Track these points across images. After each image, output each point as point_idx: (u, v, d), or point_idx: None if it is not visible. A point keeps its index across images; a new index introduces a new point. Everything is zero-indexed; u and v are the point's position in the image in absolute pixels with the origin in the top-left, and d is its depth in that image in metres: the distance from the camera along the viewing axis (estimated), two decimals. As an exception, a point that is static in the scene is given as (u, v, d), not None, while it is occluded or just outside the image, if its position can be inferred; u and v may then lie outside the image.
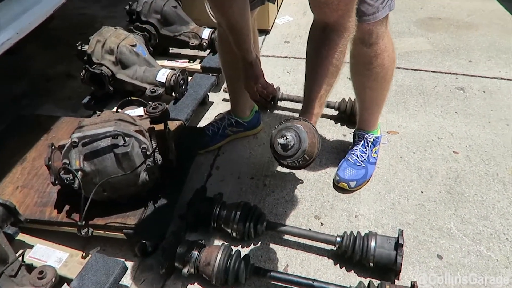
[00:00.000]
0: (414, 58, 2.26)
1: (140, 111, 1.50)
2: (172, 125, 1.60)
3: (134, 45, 1.72)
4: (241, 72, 1.39)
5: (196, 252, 1.19)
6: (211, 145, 1.72)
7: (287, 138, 0.93)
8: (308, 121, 1.04)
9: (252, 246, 1.34)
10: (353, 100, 1.79)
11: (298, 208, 1.47)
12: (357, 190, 1.52)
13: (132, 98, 1.54)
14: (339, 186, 1.51)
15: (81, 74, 1.70)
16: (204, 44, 2.02)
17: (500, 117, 1.84)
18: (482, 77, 2.12)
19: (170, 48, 2.36)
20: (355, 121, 1.74)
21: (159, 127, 1.32)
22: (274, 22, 2.70)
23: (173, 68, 1.77)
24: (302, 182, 1.57)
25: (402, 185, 1.54)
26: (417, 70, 2.19)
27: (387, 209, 1.45)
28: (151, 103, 1.48)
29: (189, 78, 1.90)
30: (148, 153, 1.21)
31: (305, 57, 1.12)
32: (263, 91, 1.39)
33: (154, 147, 1.25)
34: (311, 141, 0.97)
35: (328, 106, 1.84)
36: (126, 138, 1.17)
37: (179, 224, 1.38)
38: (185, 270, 1.19)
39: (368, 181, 1.54)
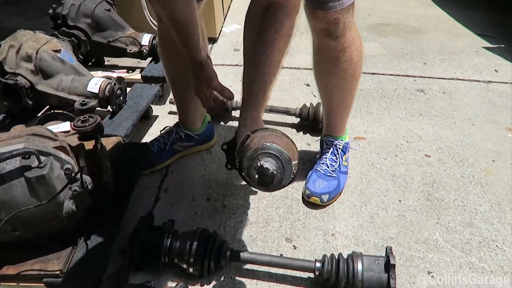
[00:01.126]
0: (370, 62, 2.17)
1: (65, 126, 1.21)
2: (108, 142, 1.33)
3: (58, 51, 1.44)
4: (191, 75, 1.16)
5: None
6: (157, 163, 1.46)
7: (268, 170, 0.75)
8: (270, 129, 0.86)
9: (214, 282, 1.09)
10: (315, 105, 1.63)
11: (266, 230, 1.25)
12: (330, 204, 1.33)
13: (55, 111, 1.26)
14: (309, 201, 1.32)
15: (-9, 87, 1.38)
16: (145, 51, 1.77)
17: (464, 117, 1.77)
18: (440, 78, 2.07)
19: (106, 60, 2.09)
20: (319, 127, 1.58)
21: (90, 144, 1.06)
22: (221, 30, 2.53)
23: (108, 77, 1.50)
24: (267, 200, 1.36)
25: (378, 195, 1.37)
26: (375, 73, 2.09)
27: (366, 223, 1.27)
28: (80, 116, 1.22)
29: (128, 89, 1.65)
30: (74, 175, 0.94)
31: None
32: (217, 96, 1.17)
33: (82, 167, 0.98)
34: (292, 155, 0.78)
35: (288, 113, 1.66)
36: (42, 157, 0.89)
37: (120, 263, 1.10)
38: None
39: (341, 193, 1.36)
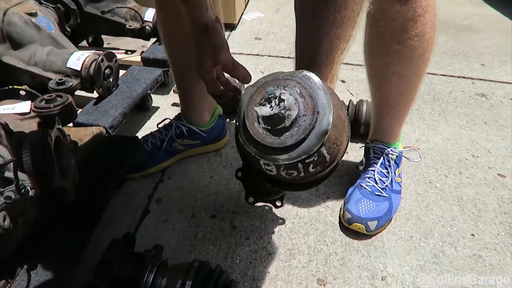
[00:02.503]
0: (417, 60, 1.81)
1: (24, 106, 0.89)
2: (86, 133, 1.00)
3: (33, 14, 1.13)
4: (193, 46, 0.81)
5: None
6: (150, 165, 1.12)
7: (280, 101, 0.43)
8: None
9: None
10: (355, 103, 1.28)
11: (290, 266, 0.90)
12: (378, 233, 0.98)
13: (15, 87, 0.94)
14: (351, 228, 0.96)
15: None
16: (147, 28, 1.45)
17: (541, 130, 1.40)
18: (504, 82, 1.69)
19: (106, 41, 1.79)
20: (359, 132, 1.24)
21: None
22: (241, 17, 2.21)
23: (96, 53, 1.18)
24: (292, 224, 1.01)
25: (442, 225, 1.01)
26: (423, 73, 1.73)
27: (429, 264, 0.91)
28: (45, 95, 0.90)
29: (124, 72, 1.33)
30: (7, 174, 0.61)
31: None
32: (228, 80, 0.82)
33: (15, 161, 0.65)
34: (336, 114, 0.45)
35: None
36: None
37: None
38: None
39: (391, 219, 1.01)
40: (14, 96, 0.95)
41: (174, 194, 1.09)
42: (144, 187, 1.10)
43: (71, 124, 1.09)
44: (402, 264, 0.91)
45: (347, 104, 1.29)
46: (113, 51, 1.51)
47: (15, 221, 0.65)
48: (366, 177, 1.03)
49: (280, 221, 1.01)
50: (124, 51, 1.52)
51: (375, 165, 1.03)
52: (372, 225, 0.95)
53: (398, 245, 0.96)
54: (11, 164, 0.62)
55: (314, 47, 0.60)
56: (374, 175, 1.02)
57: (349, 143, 1.24)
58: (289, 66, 1.71)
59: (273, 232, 0.98)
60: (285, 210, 1.04)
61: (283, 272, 0.89)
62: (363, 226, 0.94)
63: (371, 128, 1.08)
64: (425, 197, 1.09)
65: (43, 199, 0.72)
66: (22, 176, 0.63)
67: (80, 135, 0.99)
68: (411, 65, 0.90)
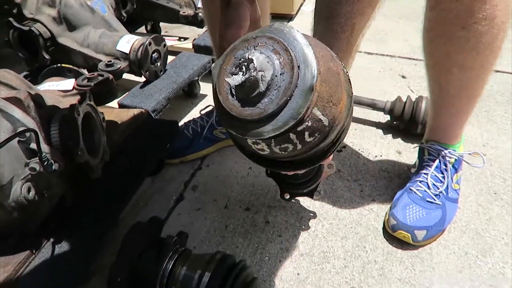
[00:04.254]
0: (493, 57, 1.62)
1: (68, 84, 0.91)
2: (127, 114, 1.01)
3: (89, -3, 1.16)
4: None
5: None
6: (189, 152, 1.11)
7: (250, 63, 0.35)
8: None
9: None
10: (414, 99, 1.16)
11: (322, 270, 0.83)
12: (426, 245, 0.87)
13: (63, 65, 0.96)
14: (395, 235, 0.87)
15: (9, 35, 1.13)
16: (201, 14, 1.44)
17: None
18: None
19: (164, 30, 1.81)
20: (416, 132, 1.12)
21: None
22: (300, 8, 2.14)
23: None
24: (330, 224, 0.93)
25: (505, 243, 0.87)
26: (498, 71, 1.54)
27: (484, 286, 0.79)
28: (88, 74, 0.91)
29: (173, 58, 1.33)
30: (33, 146, 0.61)
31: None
32: None
33: (55, 138, 0.65)
34: (325, 66, 0.36)
35: (374, 107, 1.21)
36: (-19, 110, 0.58)
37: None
38: None
39: (444, 230, 0.89)
40: (61, 74, 0.98)
41: (211, 183, 1.06)
42: (182, 173, 1.09)
43: (116, 106, 1.11)
44: (452, 282, 0.80)
45: (404, 99, 1.17)
46: (166, 37, 1.53)
47: (40, 194, 0.66)
48: (417, 180, 0.92)
49: (317, 220, 0.94)
50: (177, 38, 1.53)
51: (429, 168, 0.92)
52: (420, 234, 0.84)
53: (449, 260, 0.84)
54: (40, 132, 0.62)
55: (331, 9, 0.53)
56: (427, 179, 0.91)
57: (404, 142, 1.13)
58: (345, 59, 1.61)
59: (308, 232, 0.91)
60: (324, 209, 0.97)
61: (314, 275, 0.82)
62: (409, 235, 0.84)
63: (427, 127, 0.97)
64: (487, 210, 0.95)
65: (71, 175, 0.72)
66: (46, 149, 0.63)
67: (122, 116, 1.00)
68: (476, 55, 0.78)
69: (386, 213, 0.93)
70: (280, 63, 0.34)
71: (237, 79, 0.34)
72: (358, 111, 1.28)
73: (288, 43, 0.34)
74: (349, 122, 0.43)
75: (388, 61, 1.59)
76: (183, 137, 1.10)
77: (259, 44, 0.35)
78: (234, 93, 0.35)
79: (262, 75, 0.34)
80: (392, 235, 0.87)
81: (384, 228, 0.91)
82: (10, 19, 1.09)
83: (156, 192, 1.03)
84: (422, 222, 0.85)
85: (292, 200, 0.97)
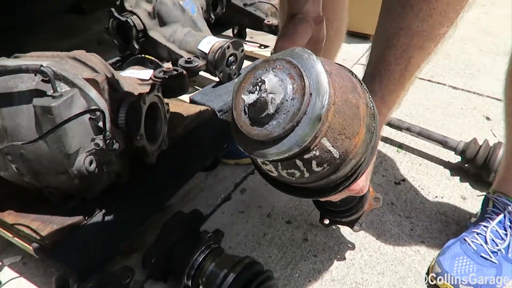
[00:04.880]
0: None
1: (146, 74, 0.99)
2: (195, 109, 1.06)
3: (183, -3, 1.25)
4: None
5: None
6: (245, 156, 1.13)
7: (262, 83, 0.35)
8: (344, 67, 0.43)
9: None
10: (492, 145, 1.07)
11: (350, 301, 0.80)
12: (472, 303, 0.79)
13: (146, 56, 1.05)
14: (438, 285, 0.81)
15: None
16: (284, 26, 1.47)
17: None
18: None
19: (249, 36, 1.87)
20: (488, 180, 1.03)
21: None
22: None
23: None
24: (369, 256, 0.89)
25: None
26: None
27: None
28: (164, 67, 0.98)
29: (249, 63, 1.37)
30: (100, 124, 0.68)
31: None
32: None
33: (121, 121, 0.72)
34: (342, 97, 0.36)
35: (445, 145, 1.13)
36: (64, 86, 0.66)
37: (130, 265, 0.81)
38: None
39: (498, 292, 0.81)
40: (144, 64, 1.07)
41: (259, 189, 1.08)
42: (234, 175, 1.12)
43: (188, 100, 1.18)
44: None
45: (480, 142, 1.09)
46: (247, 43, 1.59)
47: (100, 168, 0.73)
48: (475, 232, 0.84)
49: (357, 249, 0.91)
50: (258, 45, 1.58)
51: (491, 221, 0.84)
52: (466, 290, 0.78)
53: (495, 326, 0.76)
54: (107, 112, 0.69)
55: (389, 39, 0.52)
56: (486, 232, 0.83)
57: (472, 190, 1.05)
58: (428, 89, 1.53)
59: (345, 259, 0.89)
60: (367, 240, 0.93)
61: (341, 304, 0.80)
62: (452, 287, 0.78)
63: (497, 176, 0.89)
64: (555, 281, 0.84)
65: (129, 157, 0.78)
66: (111, 129, 0.69)
67: (189, 110, 1.06)
68: None
69: (434, 258, 0.87)
70: (292, 88, 0.35)
71: (251, 97, 0.35)
72: (428, 146, 1.21)
73: (304, 69, 0.35)
74: (369, 159, 0.42)
75: (474, 99, 1.48)
76: (242, 140, 1.13)
77: (277, 66, 0.36)
78: (246, 111, 0.36)
79: (272, 97, 0.34)
80: (436, 283, 0.81)
81: (427, 274, 0.85)
82: (112, 9, 1.22)
83: (207, 187, 1.07)
84: (471, 278, 0.78)
85: (332, 227, 0.95)
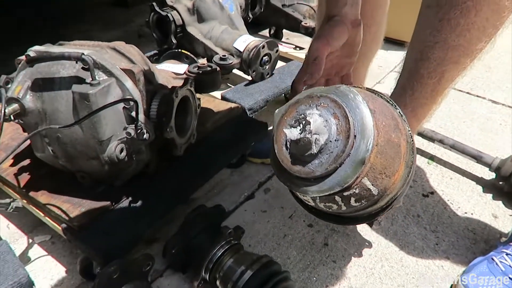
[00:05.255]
0: None
1: (181, 68, 1.01)
2: (225, 106, 1.08)
3: (222, -5, 1.27)
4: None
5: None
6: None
7: (307, 124, 0.36)
8: (385, 97, 0.44)
9: None
10: (530, 163, 1.02)
11: (366, 310, 0.79)
12: (495, 326, 0.76)
13: (182, 51, 1.07)
14: (459, 303, 0.78)
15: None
16: (321, 28, 1.46)
17: None
18: None
19: (285, 37, 1.88)
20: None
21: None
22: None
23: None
24: (390, 267, 0.88)
25: None
26: None
27: None
28: (199, 63, 1.00)
29: (283, 64, 1.37)
30: (131, 113, 0.70)
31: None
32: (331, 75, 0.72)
33: (153, 112, 0.74)
34: (385, 137, 0.36)
35: (479, 161, 1.09)
36: (102, 75, 0.68)
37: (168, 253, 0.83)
38: None
39: (523, 317, 0.77)
40: (179, 58, 1.10)
41: (283, 190, 1.08)
42: (259, 174, 1.13)
43: (219, 97, 1.20)
44: None
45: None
46: (283, 44, 1.59)
47: (130, 156, 0.75)
48: (504, 252, 0.81)
49: (378, 259, 0.89)
50: (294, 46, 1.58)
51: (522, 243, 0.80)
52: (490, 312, 0.75)
53: None
54: (141, 102, 0.71)
55: (423, 52, 0.51)
56: (515, 254, 0.80)
57: (504, 209, 1.02)
58: (465, 101, 1.48)
59: (365, 267, 0.87)
60: (389, 251, 0.91)
61: (357, 312, 0.79)
62: (476, 307, 0.75)
63: (533, 197, 0.85)
64: None
65: (159, 148, 0.81)
66: (143, 119, 0.71)
67: (220, 107, 1.07)
68: None
69: (458, 275, 0.84)
70: (337, 129, 0.35)
71: (294, 134, 0.36)
72: (461, 160, 1.17)
73: (349, 109, 0.35)
74: (405, 189, 0.42)
75: (516, 114, 1.42)
76: (270, 140, 1.13)
77: (322, 104, 0.36)
78: (288, 146, 0.37)
79: (316, 138, 0.35)
80: (457, 301, 0.79)
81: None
82: (154, 3, 1.25)
83: (231, 184, 1.09)
84: (496, 299, 0.75)
85: (358, 231, 0.93)
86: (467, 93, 1.54)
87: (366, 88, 0.46)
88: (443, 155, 1.20)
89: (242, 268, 0.72)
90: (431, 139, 1.18)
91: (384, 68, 1.74)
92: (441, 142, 1.16)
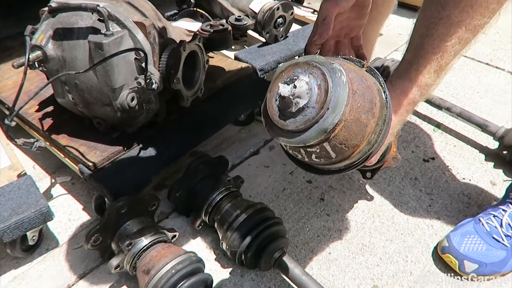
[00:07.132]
0: None
1: (194, 26, 1.06)
2: (237, 65, 1.12)
3: (240, -44, 1.28)
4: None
5: (143, 243, 0.72)
6: (279, 116, 1.19)
7: (294, 87, 0.42)
8: (378, 79, 0.49)
9: (239, 277, 0.79)
10: (534, 134, 1.03)
11: (353, 260, 0.85)
12: (475, 280, 0.81)
13: (198, 10, 1.11)
14: (443, 258, 0.83)
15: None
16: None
17: None
18: None
19: (308, 2, 1.87)
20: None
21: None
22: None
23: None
24: (380, 223, 0.93)
25: None
26: None
27: None
28: (212, 21, 1.04)
29: (298, 27, 1.39)
30: (142, 64, 0.76)
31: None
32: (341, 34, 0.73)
33: (162, 65, 0.79)
34: (354, 116, 0.43)
35: (484, 129, 1.10)
36: (115, 27, 0.74)
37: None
38: (113, 263, 0.72)
39: (505, 274, 0.81)
40: (194, 17, 1.14)
41: (288, 148, 1.13)
42: (266, 133, 1.16)
43: (232, 57, 1.24)
44: (485, 326, 0.74)
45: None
46: (301, 7, 1.59)
47: (140, 105, 0.82)
48: (491, 214, 0.84)
49: (369, 215, 0.94)
50: (312, 10, 1.58)
51: (509, 207, 0.83)
52: (469, 266, 0.79)
53: (493, 305, 0.78)
54: (150, 55, 0.77)
55: (428, 28, 0.53)
56: (503, 216, 0.83)
57: (504, 177, 1.03)
58: (483, 72, 1.46)
59: (356, 222, 0.93)
60: (382, 209, 0.96)
61: (343, 260, 0.85)
62: (457, 262, 0.80)
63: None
64: None
65: (168, 100, 0.87)
66: (152, 70, 0.77)
67: (231, 66, 1.12)
68: None
69: (445, 235, 0.88)
70: (316, 99, 0.41)
71: (284, 90, 0.41)
72: (467, 129, 1.18)
73: (333, 85, 0.40)
74: (362, 161, 0.48)
75: (531, 86, 1.39)
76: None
77: (313, 73, 0.42)
78: (277, 98, 0.43)
79: (297, 101, 0.41)
80: (440, 256, 0.83)
81: (435, 247, 0.87)
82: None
83: (239, 140, 1.14)
84: (478, 255, 0.79)
85: (353, 187, 0.98)
86: (486, 64, 1.51)
87: (368, 66, 0.50)
88: (450, 123, 1.21)
89: (237, 212, 0.79)
90: (438, 106, 1.19)
91: (404, 36, 1.72)
92: (448, 109, 1.17)
